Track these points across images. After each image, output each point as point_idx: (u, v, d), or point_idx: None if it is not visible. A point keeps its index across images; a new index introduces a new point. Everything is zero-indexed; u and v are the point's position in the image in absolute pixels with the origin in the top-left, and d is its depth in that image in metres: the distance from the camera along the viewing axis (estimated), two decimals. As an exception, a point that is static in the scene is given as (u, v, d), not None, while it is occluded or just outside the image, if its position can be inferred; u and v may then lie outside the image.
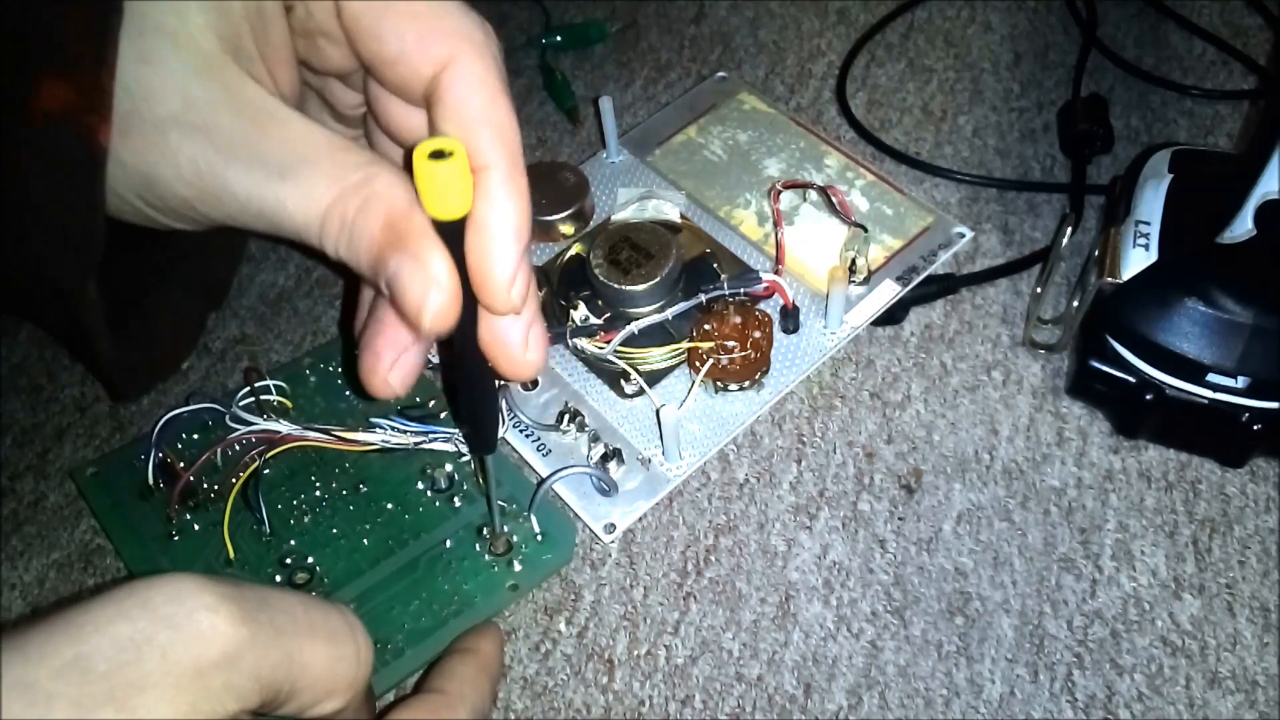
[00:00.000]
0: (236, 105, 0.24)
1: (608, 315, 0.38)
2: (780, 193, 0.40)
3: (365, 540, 0.34)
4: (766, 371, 0.37)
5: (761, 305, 0.38)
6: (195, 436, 0.36)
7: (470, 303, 0.25)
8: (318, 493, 0.35)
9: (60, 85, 0.24)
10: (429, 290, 0.23)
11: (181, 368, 0.38)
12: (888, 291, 0.39)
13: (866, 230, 0.39)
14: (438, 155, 0.22)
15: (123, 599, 0.20)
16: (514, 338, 0.27)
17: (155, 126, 0.24)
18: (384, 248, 0.24)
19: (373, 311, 0.27)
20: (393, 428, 0.35)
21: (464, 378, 0.27)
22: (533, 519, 0.34)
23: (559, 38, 0.50)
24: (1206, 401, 0.34)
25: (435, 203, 0.22)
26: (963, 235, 0.41)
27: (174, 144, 0.24)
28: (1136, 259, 0.35)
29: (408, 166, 0.23)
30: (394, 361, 0.27)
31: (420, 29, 0.25)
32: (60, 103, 0.24)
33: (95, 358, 0.31)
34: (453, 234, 0.23)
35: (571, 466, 0.34)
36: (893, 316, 0.39)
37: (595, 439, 0.36)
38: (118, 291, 0.28)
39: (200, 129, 0.24)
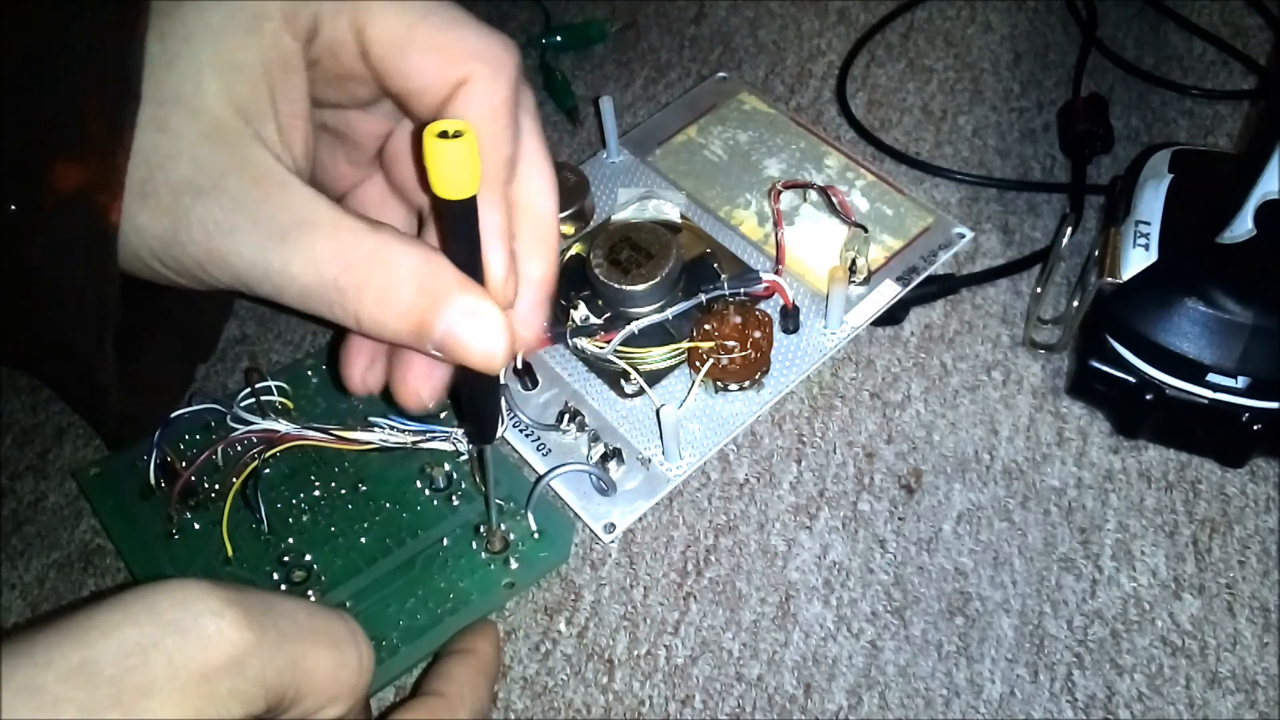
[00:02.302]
0: (242, 169, 0.25)
1: (608, 315, 0.38)
2: (780, 193, 0.40)
3: (363, 539, 0.34)
4: (766, 371, 0.37)
5: (761, 305, 0.38)
6: (196, 436, 0.36)
7: (476, 279, 0.25)
8: (317, 492, 0.35)
9: (74, 167, 0.24)
10: (491, 336, 0.25)
11: (172, 408, 0.38)
12: (888, 291, 0.39)
13: (866, 230, 0.39)
14: (446, 136, 0.22)
15: (129, 604, 0.20)
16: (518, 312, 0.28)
17: (170, 190, 0.24)
18: (424, 311, 0.24)
19: (396, 352, 0.28)
20: (391, 427, 0.35)
21: (465, 369, 0.27)
22: (530, 517, 0.34)
23: (559, 38, 0.50)
24: (1206, 401, 0.34)
25: (443, 182, 0.23)
26: (963, 235, 0.41)
27: (185, 207, 0.24)
28: (1136, 259, 0.35)
29: (416, 150, 0.23)
30: (425, 374, 0.28)
31: (441, 59, 0.25)
32: (74, 183, 0.24)
33: (102, 411, 0.32)
34: (459, 214, 0.24)
35: (569, 464, 0.34)
36: (893, 316, 0.39)
37: (595, 439, 0.36)
38: (116, 347, 0.29)
39: (209, 192, 0.24)
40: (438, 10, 0.26)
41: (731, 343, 0.35)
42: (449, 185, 0.23)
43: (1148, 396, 0.35)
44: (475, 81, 0.25)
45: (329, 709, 0.23)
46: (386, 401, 0.30)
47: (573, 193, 0.41)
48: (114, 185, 0.24)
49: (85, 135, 0.24)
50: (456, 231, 0.24)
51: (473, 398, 0.28)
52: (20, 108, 0.25)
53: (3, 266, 0.26)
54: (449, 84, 0.25)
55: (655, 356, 0.37)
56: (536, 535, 0.34)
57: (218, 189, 0.24)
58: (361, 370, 0.29)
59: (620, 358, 0.37)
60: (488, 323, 0.25)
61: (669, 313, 0.37)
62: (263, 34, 0.25)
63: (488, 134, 0.26)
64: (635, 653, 0.32)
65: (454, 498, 0.35)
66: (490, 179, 0.26)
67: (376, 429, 0.35)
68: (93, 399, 0.31)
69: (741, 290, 0.37)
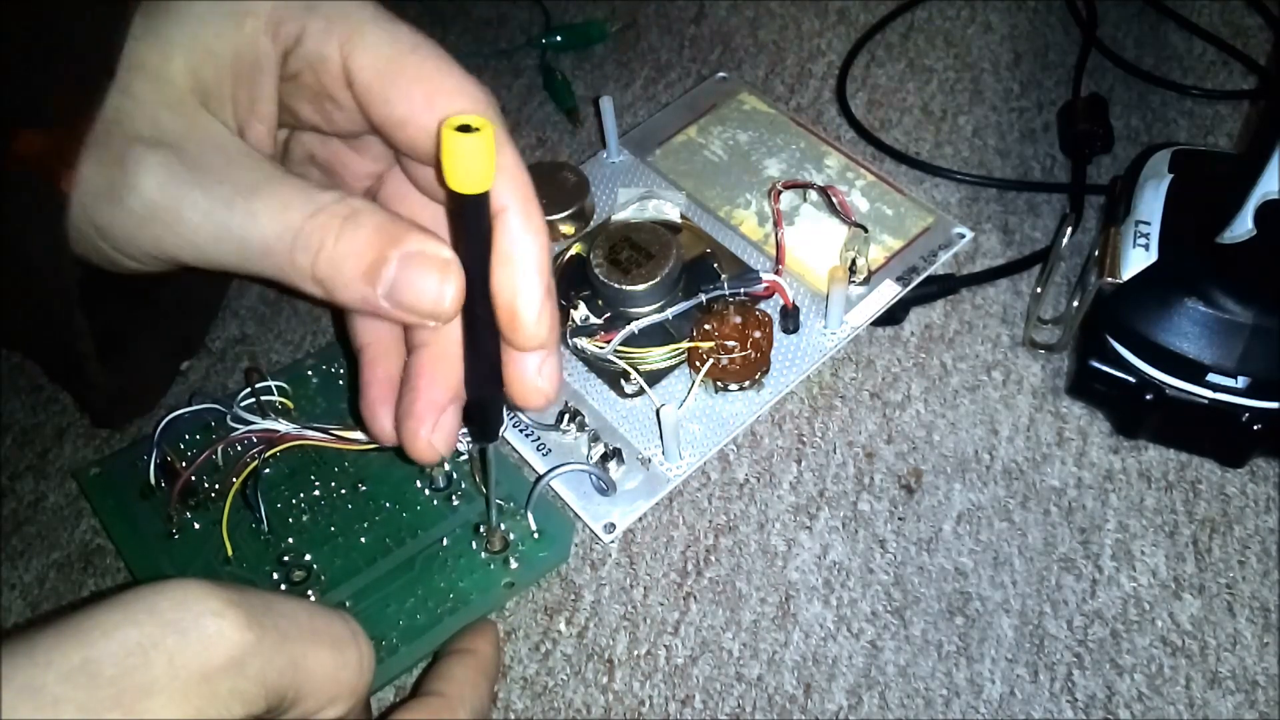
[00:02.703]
0: (201, 137, 0.25)
1: (608, 315, 0.38)
2: (780, 193, 0.40)
3: (363, 539, 0.34)
4: (766, 371, 0.37)
5: (761, 305, 0.38)
6: (197, 436, 0.36)
7: (483, 282, 0.25)
8: (316, 492, 0.35)
9: (37, 135, 0.24)
10: (439, 278, 0.24)
11: (158, 402, 0.39)
12: (888, 291, 0.39)
13: (866, 230, 0.39)
14: (464, 130, 0.22)
15: (129, 603, 0.20)
16: (529, 365, 0.27)
17: (124, 140, 0.24)
18: (379, 248, 0.24)
19: (404, 382, 0.28)
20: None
21: (470, 358, 0.27)
22: (530, 517, 0.34)
23: (559, 38, 0.50)
24: (1206, 401, 0.34)
25: (459, 176, 0.23)
26: (963, 235, 0.41)
27: (137, 156, 0.24)
28: (1136, 259, 0.35)
29: (435, 149, 0.23)
30: (434, 424, 0.27)
31: (426, 91, 0.25)
32: (34, 150, 0.24)
33: (84, 381, 0.32)
34: (473, 210, 0.24)
35: (568, 463, 0.34)
36: (893, 316, 0.39)
37: (595, 439, 0.36)
38: (101, 333, 0.29)
39: (166, 146, 0.24)
40: (425, 46, 0.26)
41: (731, 343, 0.35)
42: (464, 179, 0.23)
43: (1148, 396, 0.35)
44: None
45: (329, 709, 0.23)
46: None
47: (573, 193, 0.41)
48: (71, 155, 0.24)
49: (53, 105, 0.24)
50: (469, 228, 0.24)
51: (476, 390, 0.28)
52: None
53: None
54: (432, 117, 0.25)
55: (655, 356, 0.37)
56: (536, 535, 0.34)
57: (176, 146, 0.24)
58: (429, 430, 0.28)
59: (620, 358, 0.37)
60: (437, 263, 0.24)
61: (669, 313, 0.37)
62: (241, 29, 0.25)
63: (503, 165, 0.25)
64: (635, 653, 0.32)
65: (454, 498, 0.35)
66: (521, 206, 0.26)
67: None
68: (75, 372, 0.31)
69: (741, 290, 0.37)
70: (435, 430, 0.27)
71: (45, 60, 0.25)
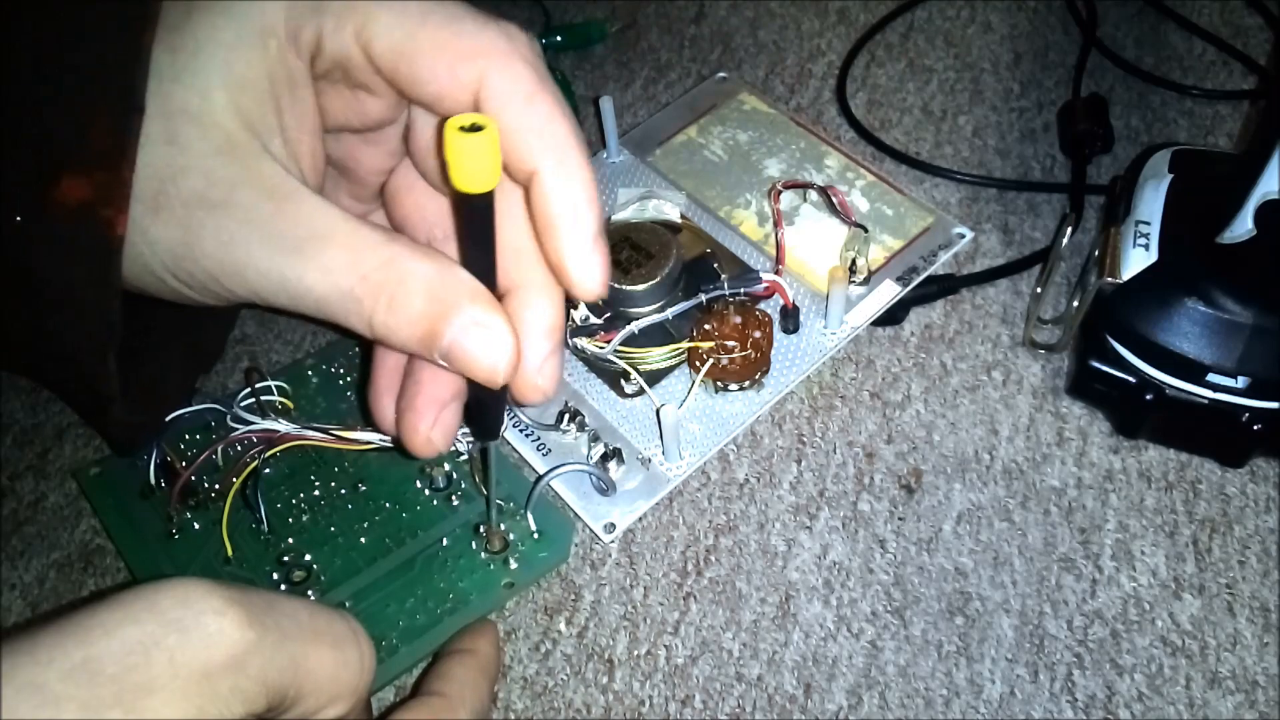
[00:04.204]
0: (254, 183, 0.25)
1: (608, 315, 0.38)
2: (780, 193, 0.40)
3: (363, 539, 0.34)
4: (766, 371, 0.37)
5: (761, 305, 0.38)
6: (196, 436, 0.36)
7: (490, 281, 0.25)
8: (316, 492, 0.35)
9: (79, 180, 0.24)
10: (496, 350, 0.24)
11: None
12: (888, 291, 0.39)
13: (867, 230, 0.39)
14: (469, 130, 0.22)
15: (131, 602, 0.20)
16: (530, 361, 0.27)
17: (183, 204, 0.25)
18: (434, 320, 0.24)
19: (409, 374, 0.28)
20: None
21: None
22: (529, 517, 0.34)
23: (559, 38, 0.50)
24: (1206, 401, 0.34)
25: (463, 175, 0.23)
26: (963, 235, 0.41)
27: (199, 220, 0.24)
28: (1136, 259, 0.35)
29: (438, 144, 0.23)
30: (434, 420, 0.28)
31: (448, 59, 0.25)
32: (79, 196, 0.24)
33: (105, 421, 0.32)
34: (478, 208, 0.24)
35: (568, 463, 0.34)
36: (893, 316, 0.39)
37: (595, 439, 0.36)
38: (121, 357, 0.29)
39: (221, 206, 0.24)
40: (435, 10, 0.25)
41: (731, 343, 0.35)
42: (468, 179, 0.23)
43: (1148, 396, 0.35)
44: (490, 76, 0.25)
45: (330, 708, 0.23)
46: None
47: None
48: (119, 199, 0.24)
49: (90, 148, 0.24)
50: (473, 228, 0.24)
51: (477, 395, 0.28)
52: (26, 119, 0.25)
53: (8, 277, 0.26)
54: (464, 84, 0.25)
55: (655, 356, 0.37)
56: (536, 535, 0.34)
57: (229, 203, 0.24)
58: (429, 425, 0.28)
59: (620, 358, 0.37)
60: (494, 336, 0.24)
61: (669, 313, 0.37)
62: (268, 51, 0.25)
63: (526, 124, 0.25)
64: (635, 653, 0.32)
65: (454, 498, 0.35)
66: (554, 161, 0.25)
67: (376, 429, 0.35)
68: (97, 409, 0.31)
69: (741, 290, 0.37)
70: (435, 426, 0.28)
71: (74, 104, 0.25)
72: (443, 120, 0.22)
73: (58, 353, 0.29)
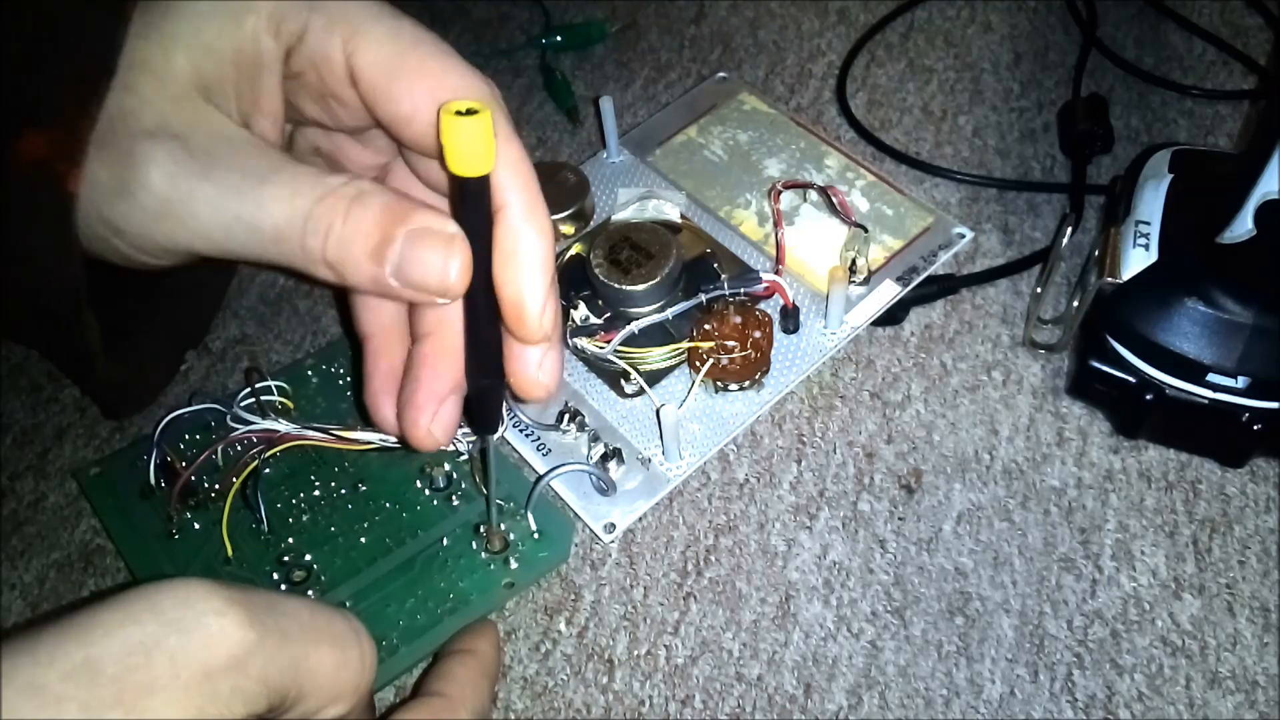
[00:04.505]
0: (210, 129, 0.25)
1: (608, 315, 0.38)
2: (780, 193, 0.40)
3: (363, 539, 0.34)
4: (766, 371, 0.37)
5: (761, 305, 0.38)
6: (197, 437, 0.36)
7: (485, 267, 0.25)
8: (316, 492, 0.35)
9: (39, 136, 0.24)
10: (452, 255, 0.24)
11: (163, 391, 0.39)
12: (888, 291, 0.39)
13: (867, 230, 0.39)
14: (463, 113, 0.23)
15: (131, 602, 0.20)
16: (530, 358, 0.27)
17: (129, 136, 0.24)
18: (386, 227, 0.24)
19: (407, 371, 0.28)
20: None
21: (471, 347, 0.27)
22: (530, 517, 0.34)
23: (559, 38, 0.50)
24: (1206, 401, 0.34)
25: (459, 158, 0.23)
26: (963, 235, 0.41)
27: (145, 151, 0.24)
28: (1136, 259, 0.35)
29: (437, 135, 0.24)
30: (434, 414, 0.28)
31: (430, 86, 0.25)
32: (38, 152, 0.25)
33: (92, 376, 0.32)
34: (474, 192, 0.24)
35: (569, 464, 0.34)
36: (893, 316, 0.40)
37: (595, 439, 0.36)
38: (107, 327, 0.30)
39: (174, 138, 0.24)
40: (428, 41, 0.26)
41: (731, 343, 0.35)
42: (464, 162, 0.23)
43: (1148, 396, 0.35)
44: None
45: (331, 708, 0.23)
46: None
47: (573, 193, 0.41)
48: (75, 154, 0.24)
49: (53, 105, 0.24)
50: (470, 212, 0.25)
51: (477, 377, 0.28)
52: None
53: None
54: (435, 113, 0.25)
55: (655, 356, 0.37)
56: (536, 535, 0.34)
57: (182, 138, 0.24)
58: (428, 419, 0.28)
59: (620, 358, 0.37)
60: (442, 238, 0.24)
61: (669, 313, 0.37)
62: (242, 26, 0.25)
63: (507, 161, 0.26)
64: (635, 653, 0.32)
65: (454, 498, 0.35)
66: (524, 203, 0.26)
67: (376, 429, 0.35)
68: (82, 366, 0.31)
69: (741, 290, 0.37)
70: (435, 420, 0.28)
71: (45, 61, 0.25)
72: (439, 109, 0.23)
73: (31, 308, 0.29)
